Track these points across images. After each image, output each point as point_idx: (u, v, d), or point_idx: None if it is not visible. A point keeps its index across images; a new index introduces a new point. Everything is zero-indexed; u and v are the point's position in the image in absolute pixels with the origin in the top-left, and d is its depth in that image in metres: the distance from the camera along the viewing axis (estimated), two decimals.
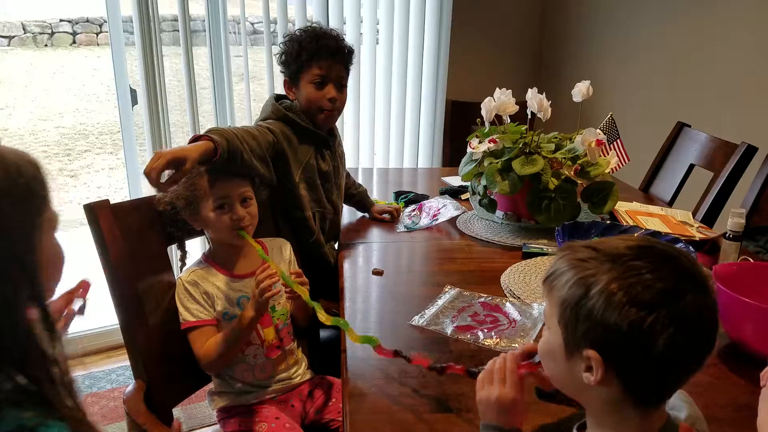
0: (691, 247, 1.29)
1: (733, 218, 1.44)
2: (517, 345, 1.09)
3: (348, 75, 1.60)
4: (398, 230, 1.75)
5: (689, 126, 2.25)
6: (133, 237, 1.22)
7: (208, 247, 1.36)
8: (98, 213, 1.16)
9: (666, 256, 0.65)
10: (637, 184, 2.32)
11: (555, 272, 0.69)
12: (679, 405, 0.74)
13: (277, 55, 1.58)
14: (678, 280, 0.63)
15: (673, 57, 2.64)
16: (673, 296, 0.62)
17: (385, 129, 3.05)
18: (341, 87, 1.57)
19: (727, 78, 2.40)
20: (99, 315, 2.48)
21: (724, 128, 2.22)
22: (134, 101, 2.41)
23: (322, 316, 1.10)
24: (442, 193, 2.07)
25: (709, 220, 1.92)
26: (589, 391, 0.67)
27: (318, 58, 1.51)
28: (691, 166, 2.15)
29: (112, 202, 1.21)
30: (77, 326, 2.55)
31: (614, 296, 0.62)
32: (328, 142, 1.63)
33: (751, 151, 1.90)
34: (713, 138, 2.10)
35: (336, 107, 1.57)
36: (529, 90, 1.73)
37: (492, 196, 1.72)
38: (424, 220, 1.79)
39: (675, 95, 2.64)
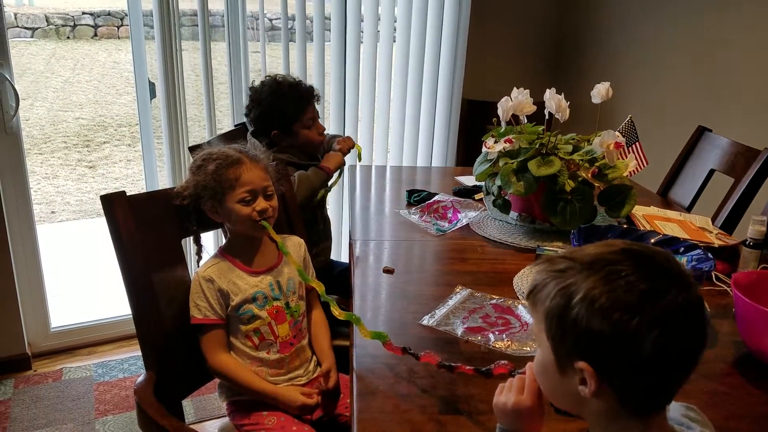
0: (710, 254, 1.26)
1: (753, 225, 1.42)
2: (528, 348, 1.08)
3: None
4: (432, 232, 1.72)
5: (710, 130, 2.22)
6: (148, 228, 1.23)
7: (224, 240, 1.37)
8: (114, 204, 1.17)
9: (642, 257, 0.65)
10: (655, 188, 2.29)
11: (536, 286, 0.69)
12: (687, 423, 0.73)
13: (250, 118, 1.86)
14: (657, 280, 0.63)
15: (695, 58, 2.60)
16: (654, 296, 0.62)
17: (399, 127, 3.04)
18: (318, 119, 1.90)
19: (749, 81, 2.35)
20: (113, 305, 2.51)
21: (746, 133, 2.18)
22: (153, 94, 2.43)
23: (336, 311, 1.11)
24: (455, 193, 2.06)
25: (728, 226, 1.89)
26: (586, 404, 0.67)
27: (305, 105, 1.82)
28: (711, 172, 2.11)
29: (128, 194, 1.22)
30: (91, 316, 2.59)
31: (596, 302, 0.62)
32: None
33: None
34: (735, 143, 2.06)
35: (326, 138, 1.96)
36: (547, 90, 1.71)
37: (506, 197, 1.70)
38: (454, 222, 1.77)
39: (696, 98, 2.60)
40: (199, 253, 1.35)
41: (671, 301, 0.62)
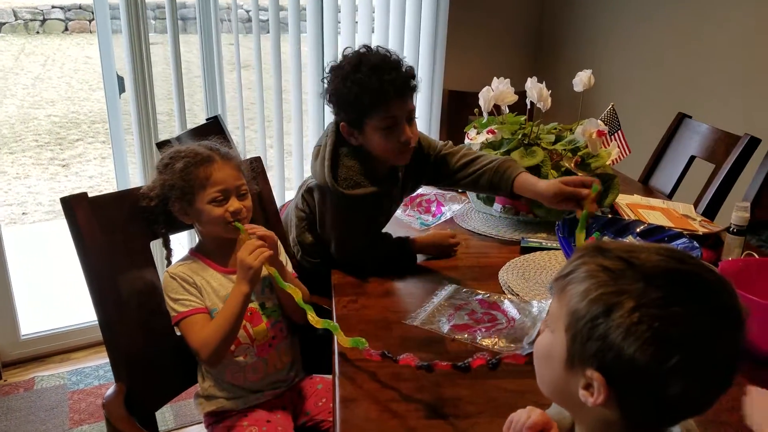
0: (696, 243, 1.24)
1: (737, 212, 1.40)
2: (515, 346, 1.05)
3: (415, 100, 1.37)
4: (416, 226, 1.66)
5: (690, 117, 2.20)
6: (114, 231, 1.16)
7: (197, 241, 1.31)
8: (75, 207, 1.10)
9: (708, 290, 0.58)
10: (636, 176, 2.27)
11: (573, 274, 0.62)
12: None
13: (324, 93, 1.33)
14: (716, 322, 0.56)
15: (674, 46, 2.58)
16: (704, 340, 0.56)
17: None
18: (411, 119, 1.33)
19: (729, 68, 2.34)
20: (86, 309, 2.43)
21: (725, 119, 2.17)
22: (122, 89, 2.34)
23: (313, 319, 1.06)
24: None
25: (710, 213, 1.87)
26: (581, 407, 0.62)
27: (385, 100, 1.25)
28: (692, 158, 2.10)
29: (91, 195, 1.15)
30: (63, 321, 2.51)
31: (638, 326, 0.55)
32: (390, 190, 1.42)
33: (753, 143, 1.85)
34: (715, 129, 2.05)
35: (411, 146, 1.33)
36: (529, 79, 1.67)
37: None
38: (438, 216, 1.72)
39: (675, 85, 2.59)
40: (168, 257, 1.27)
41: (719, 347, 0.56)
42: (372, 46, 1.32)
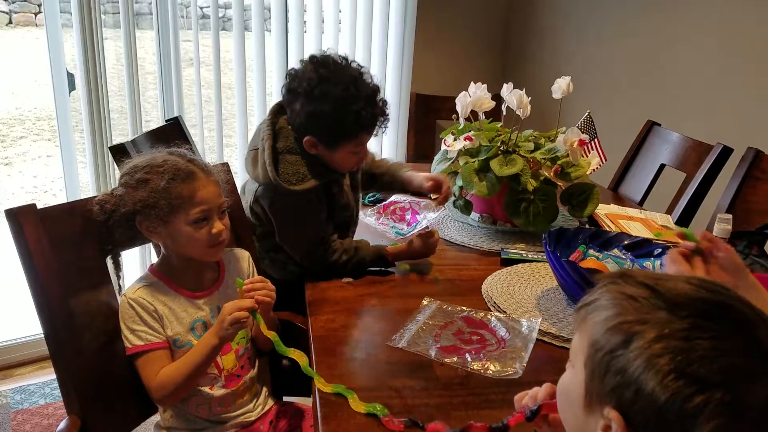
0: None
1: (719, 224, 1.38)
2: (510, 371, 0.98)
3: None
4: (391, 235, 1.59)
5: (659, 125, 2.20)
6: (65, 247, 1.04)
7: (156, 257, 1.19)
8: (22, 220, 0.98)
9: (742, 323, 0.52)
10: (606, 184, 2.26)
11: (594, 303, 0.56)
12: None
13: (290, 102, 1.32)
14: (750, 360, 0.50)
15: (643, 54, 2.59)
16: (737, 379, 0.49)
17: None
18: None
19: (696, 77, 2.36)
20: (30, 321, 2.26)
21: (693, 127, 2.18)
22: (72, 86, 2.19)
23: (322, 384, 0.94)
24: (411, 192, 1.95)
25: (683, 222, 1.87)
26: None
27: (368, 129, 1.32)
28: (662, 166, 2.10)
29: (42, 197, 1.02)
30: (4, 335, 2.32)
31: (659, 359, 0.49)
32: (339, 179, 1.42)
33: (726, 152, 1.85)
34: (685, 138, 2.05)
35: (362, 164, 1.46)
36: (505, 85, 1.62)
37: (467, 197, 1.61)
38: (413, 224, 1.65)
39: (644, 93, 2.60)
40: (117, 273, 1.14)
41: (755, 391, 0.49)
42: (342, 57, 1.35)
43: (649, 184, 2.10)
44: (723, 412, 0.48)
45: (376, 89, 1.33)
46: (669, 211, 1.93)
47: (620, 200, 2.07)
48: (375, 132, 1.35)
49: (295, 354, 1.00)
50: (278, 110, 1.38)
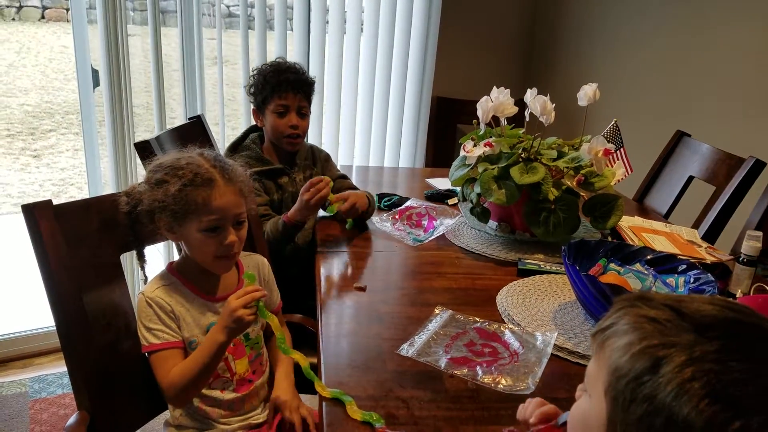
0: (710, 275, 1.16)
1: (748, 241, 1.34)
2: (522, 386, 0.96)
3: (309, 104, 1.73)
4: (408, 242, 1.57)
5: (689, 135, 2.15)
6: (81, 244, 1.04)
7: (177, 256, 1.18)
8: (39, 216, 0.98)
9: None
10: (631, 194, 2.21)
11: (613, 327, 0.54)
12: None
13: (246, 87, 1.74)
14: None
15: (673, 61, 2.53)
16: None
17: (366, 124, 2.88)
18: (303, 115, 1.70)
19: (729, 86, 2.30)
20: (49, 312, 2.29)
21: (723, 139, 2.12)
22: (96, 82, 2.21)
23: (321, 388, 0.93)
24: (428, 198, 1.93)
25: (710, 237, 1.81)
26: None
27: (280, 91, 1.65)
28: (690, 178, 2.04)
29: (68, 190, 1.03)
30: (25, 325, 2.36)
31: (692, 383, 0.47)
32: (284, 171, 1.74)
33: (759, 165, 1.80)
34: (716, 150, 1.99)
35: (298, 132, 1.69)
36: (528, 90, 1.59)
37: (485, 205, 1.58)
38: (430, 230, 1.63)
39: (674, 102, 2.54)
40: (142, 268, 1.14)
41: None
42: (287, 60, 1.75)
43: (676, 196, 2.05)
44: None
45: (291, 65, 1.70)
46: (696, 225, 1.87)
47: (645, 212, 2.02)
48: (291, 93, 1.65)
49: (297, 356, 0.99)
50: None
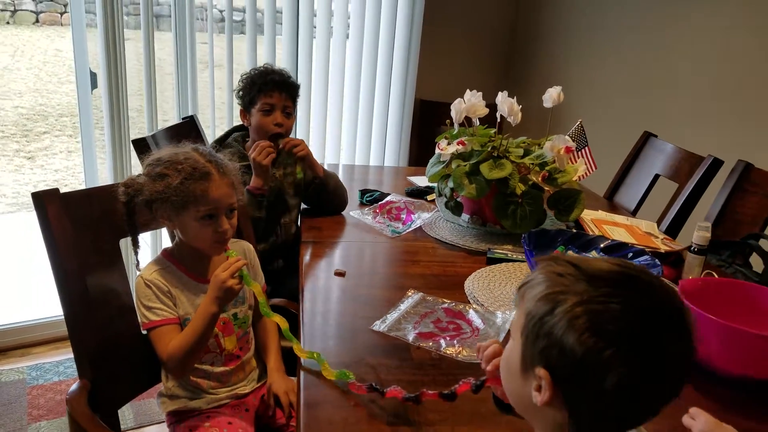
0: (657, 260, 1.28)
1: (698, 232, 1.44)
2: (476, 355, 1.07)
3: (295, 105, 1.80)
4: (387, 233, 1.69)
5: (656, 136, 2.27)
6: (84, 229, 1.15)
7: (170, 243, 1.29)
8: (47, 202, 1.09)
9: (647, 290, 0.61)
10: (601, 192, 2.33)
11: (530, 282, 0.66)
12: None
13: (235, 91, 1.81)
14: (651, 319, 0.59)
15: (642, 66, 2.66)
16: (640, 335, 0.58)
17: (351, 124, 3.00)
18: (288, 115, 1.76)
19: (692, 89, 2.42)
20: (48, 303, 2.39)
21: (687, 140, 2.25)
22: (94, 84, 2.32)
23: (298, 350, 1.05)
24: (408, 194, 2.04)
25: (672, 231, 1.93)
26: (537, 412, 0.65)
27: (266, 90, 1.72)
28: (656, 176, 2.16)
29: (62, 191, 1.14)
30: (24, 315, 2.46)
31: (577, 319, 0.59)
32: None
33: (716, 164, 1.92)
34: (679, 149, 2.12)
35: (282, 130, 1.75)
36: (499, 93, 1.71)
37: (458, 199, 1.70)
38: (408, 223, 1.75)
39: (642, 104, 2.67)
40: (136, 253, 1.23)
41: (657, 346, 0.59)
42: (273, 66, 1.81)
43: (644, 193, 2.17)
44: (625, 363, 0.57)
45: (278, 70, 1.77)
46: (659, 221, 1.99)
47: (614, 209, 2.14)
48: (277, 92, 1.72)
49: (277, 318, 1.10)
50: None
